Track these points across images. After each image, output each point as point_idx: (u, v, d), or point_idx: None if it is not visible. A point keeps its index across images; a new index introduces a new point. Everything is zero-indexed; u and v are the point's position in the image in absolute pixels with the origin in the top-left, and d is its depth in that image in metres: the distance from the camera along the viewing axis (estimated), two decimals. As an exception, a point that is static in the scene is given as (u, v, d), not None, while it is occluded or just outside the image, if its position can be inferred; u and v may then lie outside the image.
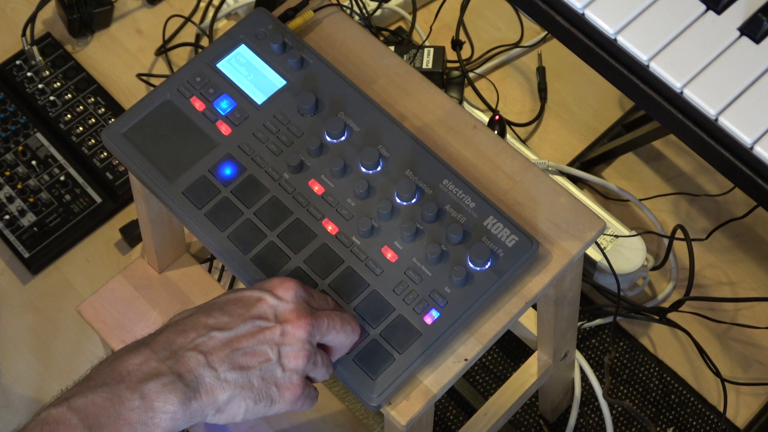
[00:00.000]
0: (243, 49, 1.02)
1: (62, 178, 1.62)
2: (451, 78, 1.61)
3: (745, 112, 0.89)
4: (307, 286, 0.87)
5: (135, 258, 1.23)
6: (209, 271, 1.48)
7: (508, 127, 1.58)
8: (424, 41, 1.71)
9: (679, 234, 1.43)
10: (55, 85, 1.71)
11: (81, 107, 1.69)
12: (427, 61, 1.60)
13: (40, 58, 1.72)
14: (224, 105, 0.99)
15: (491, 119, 1.50)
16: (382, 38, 1.74)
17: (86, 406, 0.75)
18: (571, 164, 1.64)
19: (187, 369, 0.78)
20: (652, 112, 0.95)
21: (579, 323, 1.49)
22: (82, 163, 1.64)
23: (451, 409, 1.46)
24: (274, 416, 1.16)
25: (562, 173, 1.60)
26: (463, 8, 1.66)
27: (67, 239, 1.58)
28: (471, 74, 1.72)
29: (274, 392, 0.82)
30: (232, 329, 0.81)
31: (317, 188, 0.95)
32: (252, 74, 1.01)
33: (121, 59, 1.77)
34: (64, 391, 0.78)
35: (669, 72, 0.91)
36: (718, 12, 0.94)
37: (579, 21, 0.96)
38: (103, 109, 1.69)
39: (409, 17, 1.75)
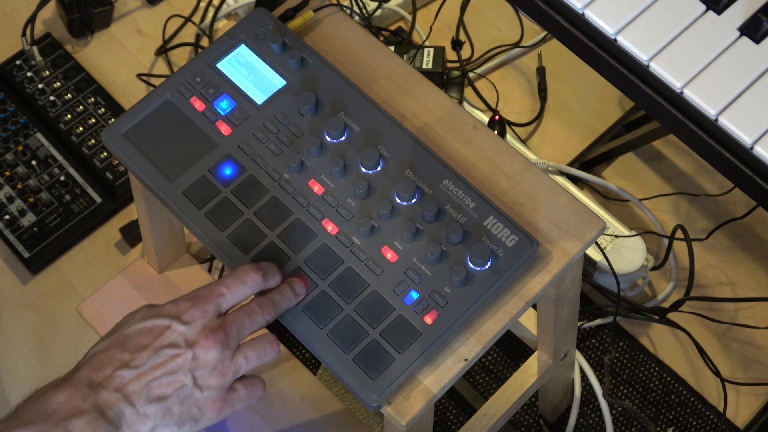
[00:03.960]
0: (243, 49, 1.02)
1: (62, 178, 1.62)
2: (451, 78, 1.60)
3: (745, 112, 0.89)
4: (220, 290, 0.86)
5: (135, 258, 1.23)
6: (209, 271, 1.48)
7: (508, 127, 1.58)
8: (424, 41, 1.71)
9: (679, 234, 1.43)
10: (55, 85, 1.71)
11: (81, 107, 1.69)
12: (427, 61, 1.60)
13: (40, 58, 1.72)
14: (224, 105, 0.99)
15: (491, 119, 1.50)
16: (382, 38, 1.74)
17: None
18: (571, 164, 1.64)
19: (107, 406, 0.80)
20: (652, 112, 0.95)
21: (579, 323, 1.49)
22: (82, 163, 1.64)
23: (451, 409, 1.46)
24: (273, 416, 1.16)
25: (562, 173, 1.60)
26: (463, 8, 1.66)
27: (67, 239, 1.59)
28: (471, 74, 1.72)
29: (195, 412, 0.83)
30: (145, 363, 0.82)
31: (317, 188, 0.95)
32: (252, 74, 1.01)
33: (121, 59, 1.77)
34: None
35: (669, 72, 0.92)
36: (718, 12, 0.94)
37: (579, 21, 0.96)
38: (103, 109, 1.69)
39: (409, 17, 1.75)
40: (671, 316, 1.50)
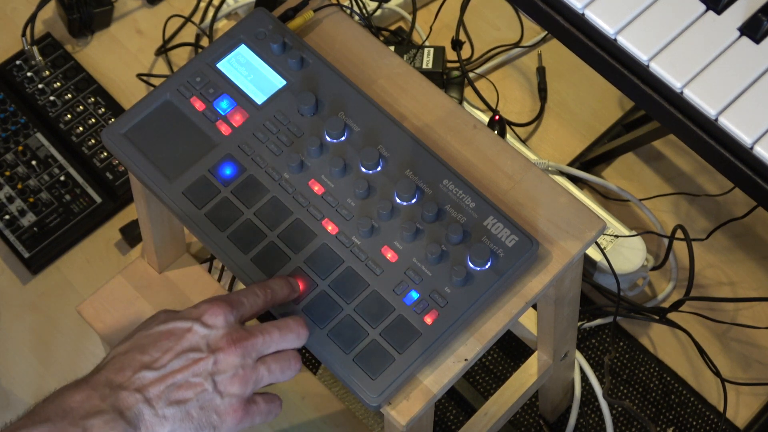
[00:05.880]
0: (243, 49, 1.02)
1: (62, 178, 1.62)
2: (451, 78, 1.61)
3: (745, 112, 0.89)
4: (238, 298, 0.86)
5: (135, 258, 1.23)
6: (209, 271, 1.48)
7: (508, 127, 1.58)
8: (424, 41, 1.71)
9: (679, 234, 1.43)
10: (55, 85, 1.71)
11: (81, 107, 1.69)
12: (427, 61, 1.60)
13: (40, 58, 1.72)
14: (224, 105, 0.99)
15: (491, 119, 1.50)
16: (382, 38, 1.74)
17: None
18: (571, 164, 1.64)
19: (126, 406, 0.80)
20: (652, 112, 0.95)
21: (579, 323, 1.49)
22: (82, 163, 1.64)
23: (451, 409, 1.46)
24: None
25: (562, 173, 1.60)
26: (463, 8, 1.66)
27: (67, 239, 1.59)
28: (471, 74, 1.72)
29: (215, 419, 0.83)
30: (166, 365, 0.82)
31: (317, 188, 0.95)
32: (252, 74, 1.01)
33: (121, 59, 1.77)
34: (7, 424, 0.80)
35: (669, 72, 0.92)
36: (718, 12, 0.94)
37: (579, 21, 0.96)
38: (103, 109, 1.69)
39: (409, 17, 1.75)
40: (671, 316, 1.50)
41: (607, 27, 0.94)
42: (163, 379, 0.81)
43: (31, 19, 1.73)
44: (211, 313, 0.84)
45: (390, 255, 0.92)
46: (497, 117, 1.50)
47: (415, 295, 0.90)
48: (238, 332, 0.84)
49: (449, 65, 1.64)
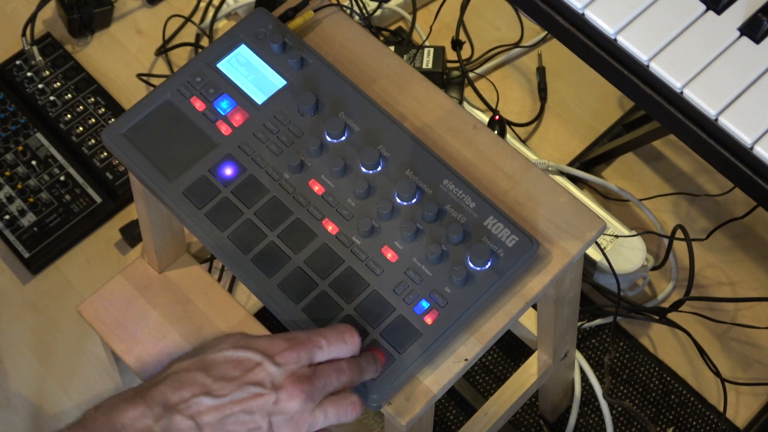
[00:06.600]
0: (243, 49, 1.02)
1: (62, 178, 1.62)
2: (451, 78, 1.61)
3: (745, 112, 0.89)
4: (318, 340, 0.83)
5: (135, 258, 1.23)
6: (209, 271, 1.48)
7: (508, 127, 1.58)
8: (424, 41, 1.71)
9: (679, 234, 1.43)
10: (55, 85, 1.71)
11: (81, 107, 1.69)
12: (427, 61, 1.60)
13: (40, 58, 1.72)
14: (224, 105, 0.99)
15: (491, 119, 1.50)
16: (382, 38, 1.74)
17: None
18: (571, 164, 1.64)
19: None
20: (652, 112, 0.95)
21: (579, 323, 1.49)
22: (82, 163, 1.64)
23: (451, 409, 1.46)
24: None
25: (562, 173, 1.60)
26: (463, 8, 1.66)
27: (67, 239, 1.59)
28: (471, 74, 1.72)
29: None
30: (226, 395, 0.79)
31: (317, 188, 0.95)
32: (252, 74, 1.01)
33: (121, 59, 1.77)
34: None
35: (669, 72, 0.92)
36: (718, 12, 0.94)
37: (579, 21, 0.96)
38: (103, 109, 1.69)
39: (409, 17, 1.75)
40: (671, 316, 1.50)
41: (607, 27, 0.94)
42: (219, 408, 0.79)
43: (31, 19, 1.73)
44: (286, 355, 0.81)
45: (390, 255, 0.92)
46: (497, 117, 1.50)
47: (415, 295, 0.90)
48: (303, 375, 0.81)
49: (449, 65, 1.64)
